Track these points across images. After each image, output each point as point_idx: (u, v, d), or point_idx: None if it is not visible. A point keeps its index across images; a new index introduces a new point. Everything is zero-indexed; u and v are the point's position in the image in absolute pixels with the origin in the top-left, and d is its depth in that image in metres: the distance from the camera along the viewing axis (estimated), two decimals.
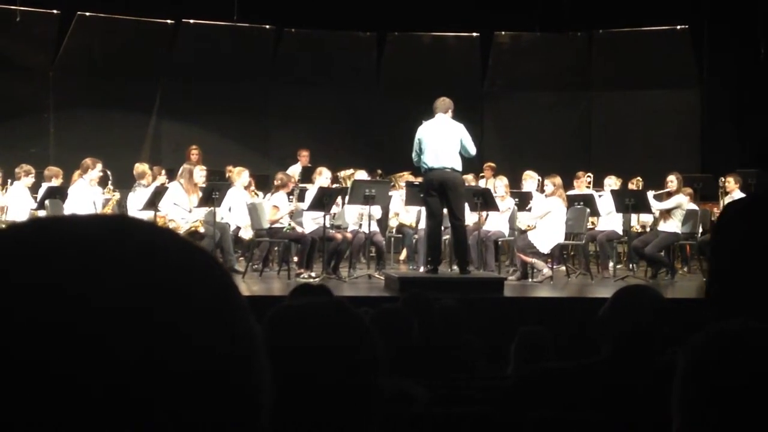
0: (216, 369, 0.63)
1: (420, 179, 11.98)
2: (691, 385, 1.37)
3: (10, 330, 0.59)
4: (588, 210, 11.93)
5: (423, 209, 10.86)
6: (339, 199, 11.63)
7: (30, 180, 11.89)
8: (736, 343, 1.39)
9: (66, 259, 0.62)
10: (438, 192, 9.73)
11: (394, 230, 12.78)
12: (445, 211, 9.97)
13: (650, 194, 11.92)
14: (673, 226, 11.73)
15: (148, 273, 0.63)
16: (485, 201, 11.16)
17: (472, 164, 12.17)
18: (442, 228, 10.38)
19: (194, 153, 13.91)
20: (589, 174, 13.80)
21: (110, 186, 12.14)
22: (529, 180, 12.70)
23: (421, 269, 11.23)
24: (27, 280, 0.61)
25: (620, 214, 11.99)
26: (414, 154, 9.87)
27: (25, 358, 0.59)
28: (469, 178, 12.71)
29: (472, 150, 9.93)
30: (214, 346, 0.64)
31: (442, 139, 9.69)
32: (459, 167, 9.82)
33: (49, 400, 0.58)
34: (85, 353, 0.59)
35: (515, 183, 12.69)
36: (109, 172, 12.07)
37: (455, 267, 10.44)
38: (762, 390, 1.33)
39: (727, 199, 12.28)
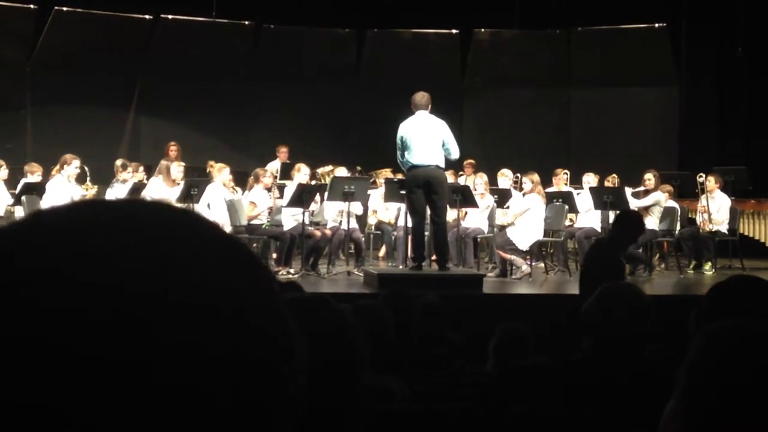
0: (259, 352, 0.63)
1: (399, 176, 11.99)
2: (699, 374, 1.40)
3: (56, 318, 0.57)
4: (566, 207, 11.97)
5: (403, 206, 10.83)
6: (318, 196, 11.61)
7: (3, 174, 11.79)
8: (748, 338, 1.42)
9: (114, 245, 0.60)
10: (423, 189, 9.70)
11: (373, 227, 12.77)
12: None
13: (628, 191, 11.97)
14: (651, 223, 11.80)
15: (190, 259, 0.62)
16: (464, 198, 11.16)
17: (451, 161, 12.18)
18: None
19: (173, 149, 13.85)
20: (566, 171, 13.83)
21: (88, 182, 12.07)
22: (504, 177, 12.70)
23: (400, 266, 11.22)
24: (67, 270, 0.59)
25: (599, 211, 12.02)
26: (398, 153, 9.78)
27: (78, 349, 0.57)
28: (449, 175, 12.70)
29: (456, 153, 9.87)
30: (262, 328, 0.63)
31: (427, 137, 9.64)
32: (443, 164, 9.81)
33: (78, 387, 0.56)
34: (129, 339, 0.57)
35: (495, 180, 12.70)
36: (87, 168, 11.99)
37: (434, 264, 10.44)
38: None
39: (709, 198, 12.35)
